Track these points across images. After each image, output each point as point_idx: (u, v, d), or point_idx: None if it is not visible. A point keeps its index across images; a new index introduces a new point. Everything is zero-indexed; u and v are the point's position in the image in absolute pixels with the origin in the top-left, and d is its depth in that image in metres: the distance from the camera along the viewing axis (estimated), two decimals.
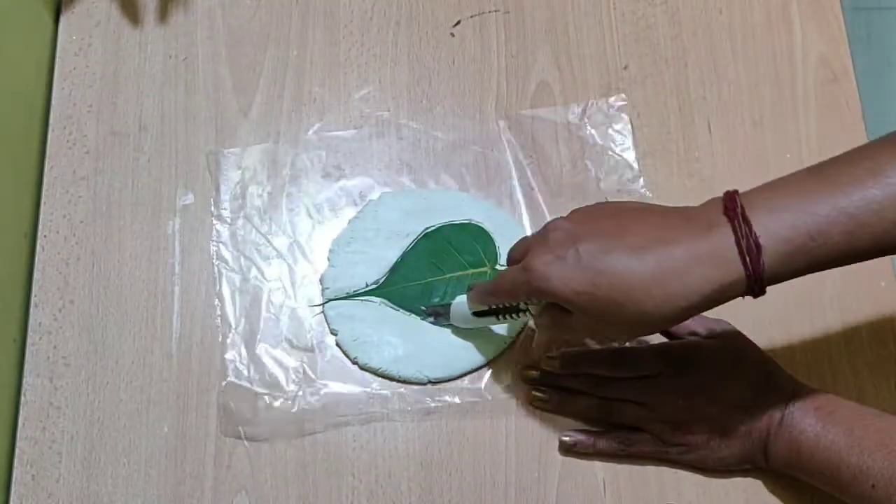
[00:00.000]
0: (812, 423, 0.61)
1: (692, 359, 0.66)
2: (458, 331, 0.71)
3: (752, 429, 0.64)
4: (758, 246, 0.51)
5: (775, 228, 0.51)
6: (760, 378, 0.65)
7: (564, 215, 0.59)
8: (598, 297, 0.53)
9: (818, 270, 0.54)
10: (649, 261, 0.52)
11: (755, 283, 0.52)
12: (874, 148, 0.53)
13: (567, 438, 0.67)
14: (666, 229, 0.53)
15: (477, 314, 0.67)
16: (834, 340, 0.71)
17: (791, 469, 0.63)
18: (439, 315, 0.71)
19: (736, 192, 0.54)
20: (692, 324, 0.68)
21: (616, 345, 0.69)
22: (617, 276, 0.52)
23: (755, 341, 0.71)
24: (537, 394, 0.68)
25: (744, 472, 0.67)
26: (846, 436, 0.60)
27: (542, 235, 0.57)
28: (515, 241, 0.63)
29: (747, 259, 0.51)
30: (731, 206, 0.52)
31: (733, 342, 0.67)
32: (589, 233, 0.54)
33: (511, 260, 0.62)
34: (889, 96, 1.61)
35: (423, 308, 0.71)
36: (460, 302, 0.69)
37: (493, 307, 0.65)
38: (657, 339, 0.69)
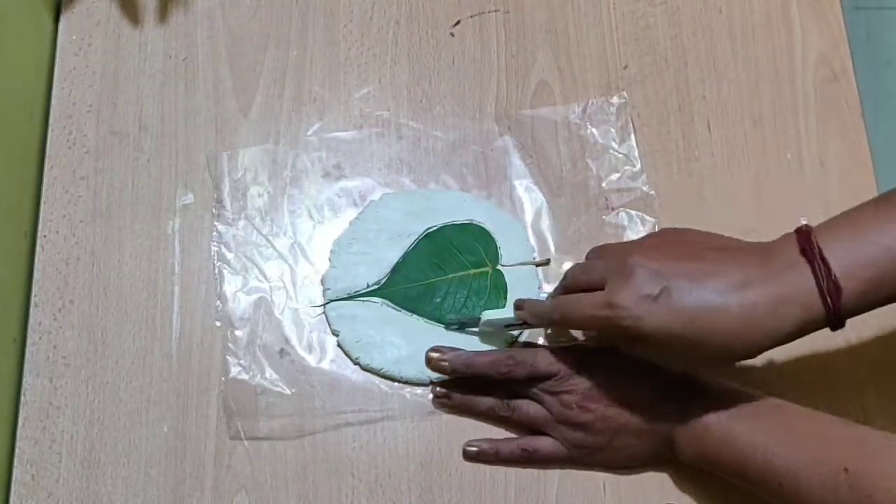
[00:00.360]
0: (715, 421, 0.61)
1: (584, 362, 0.65)
2: (483, 336, 0.71)
3: (654, 427, 0.63)
4: (837, 287, 0.53)
5: (853, 269, 0.53)
6: (657, 377, 0.64)
7: (638, 249, 0.59)
8: (687, 339, 0.55)
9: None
10: (737, 305, 0.54)
11: (835, 320, 0.54)
12: None
13: (471, 448, 0.67)
14: (748, 270, 0.55)
15: (510, 326, 0.68)
16: (834, 340, 0.71)
17: (699, 464, 0.63)
18: (465, 325, 0.71)
19: (810, 230, 0.55)
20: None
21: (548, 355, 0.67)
22: (708, 319, 0.54)
23: None
24: (439, 390, 0.68)
25: (657, 467, 0.67)
26: (750, 434, 0.59)
27: (623, 271, 0.57)
28: (571, 268, 0.64)
29: (828, 300, 0.53)
30: (809, 248, 0.54)
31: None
32: (676, 274, 0.55)
33: (572, 287, 0.62)
34: (888, 95, 1.61)
35: (450, 318, 0.71)
36: (493, 319, 0.69)
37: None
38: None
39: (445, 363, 0.68)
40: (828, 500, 0.54)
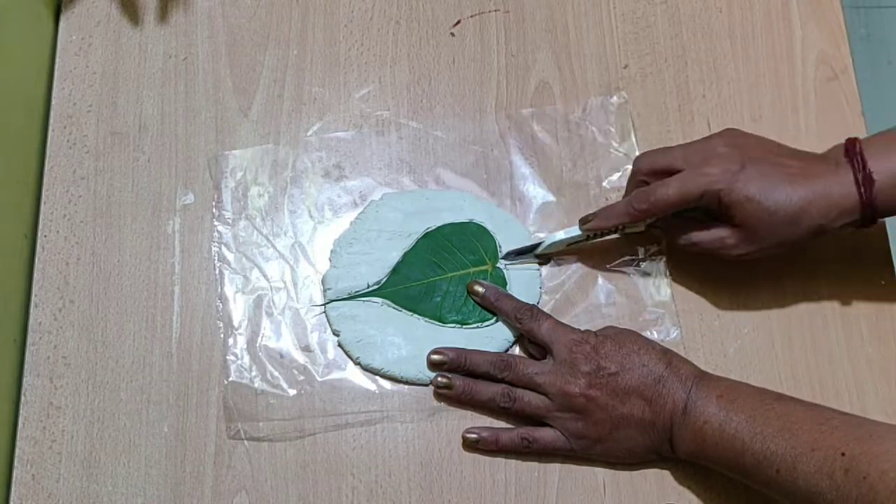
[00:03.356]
0: (715, 412, 0.62)
1: (590, 345, 0.66)
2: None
3: (655, 419, 0.64)
4: (870, 179, 0.62)
5: (887, 165, 0.62)
6: (660, 365, 0.65)
7: (713, 137, 0.67)
8: (762, 207, 0.63)
9: None
10: (801, 190, 0.63)
11: (868, 210, 0.62)
12: None
13: (471, 435, 0.68)
14: (809, 167, 0.64)
15: (573, 243, 0.71)
16: (834, 340, 0.71)
17: (697, 458, 0.64)
18: (522, 253, 0.72)
19: (857, 139, 0.64)
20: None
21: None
22: (780, 194, 0.63)
23: (756, 340, 0.71)
24: (441, 379, 0.69)
25: (652, 464, 0.67)
26: (749, 423, 0.60)
27: (706, 150, 0.66)
28: (637, 159, 0.70)
29: (862, 189, 0.62)
30: (851, 149, 0.63)
31: (627, 336, 0.67)
32: (754, 158, 0.65)
33: (649, 169, 0.69)
34: (889, 93, 1.61)
35: (508, 252, 0.73)
36: (555, 241, 0.71)
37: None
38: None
39: (444, 357, 0.69)
40: (824, 484, 0.55)
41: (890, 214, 0.64)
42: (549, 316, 0.70)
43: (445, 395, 0.69)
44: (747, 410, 0.61)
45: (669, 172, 0.67)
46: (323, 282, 0.73)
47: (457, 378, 0.69)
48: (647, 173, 0.69)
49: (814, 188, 0.63)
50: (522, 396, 0.67)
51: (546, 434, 0.67)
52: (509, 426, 0.69)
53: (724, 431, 0.61)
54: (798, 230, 0.64)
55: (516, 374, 0.67)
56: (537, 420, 0.67)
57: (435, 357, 0.69)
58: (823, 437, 0.57)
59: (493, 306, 0.71)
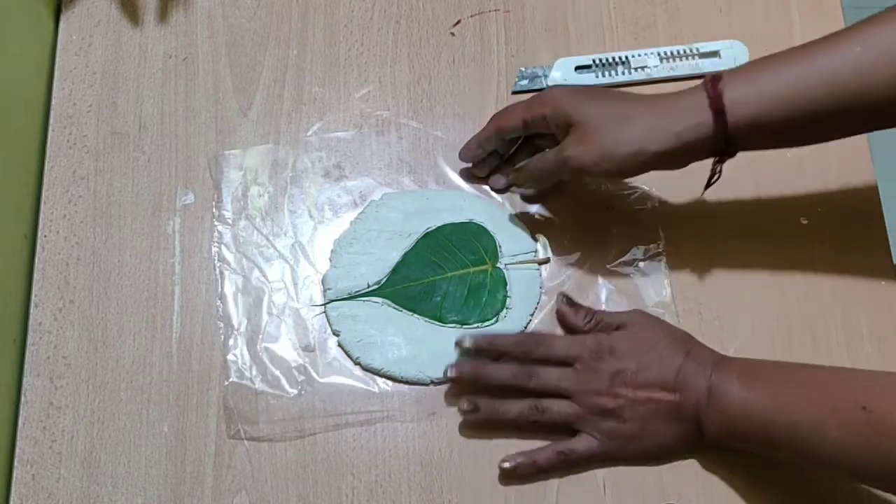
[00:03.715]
0: (738, 392, 0.62)
1: (606, 347, 0.66)
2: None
3: (681, 409, 0.64)
4: (722, 107, 0.62)
5: (739, 92, 0.62)
6: (678, 356, 0.65)
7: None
8: (605, 120, 0.65)
9: (781, 141, 0.66)
10: (650, 105, 0.65)
11: (720, 133, 0.62)
12: (833, 34, 0.63)
13: (507, 464, 0.66)
14: (659, 96, 0.66)
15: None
16: (834, 340, 0.71)
17: (726, 439, 0.64)
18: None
19: (722, 73, 0.64)
20: (599, 324, 0.69)
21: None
22: (626, 105, 0.65)
23: (756, 340, 0.71)
24: (466, 405, 0.67)
25: (683, 457, 0.67)
26: (771, 397, 0.61)
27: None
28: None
29: (713, 112, 0.62)
30: (710, 80, 0.63)
31: (645, 326, 0.68)
32: (600, 92, 0.70)
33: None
34: None
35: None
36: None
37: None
38: None
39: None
40: (850, 441, 0.56)
41: (747, 142, 0.64)
42: (551, 335, 0.69)
43: (472, 419, 0.68)
44: (768, 385, 0.62)
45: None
46: (323, 282, 0.73)
47: (481, 400, 0.67)
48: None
49: (655, 105, 0.65)
50: (551, 406, 0.66)
51: (581, 443, 0.66)
52: (541, 444, 0.67)
53: (749, 409, 0.61)
54: (637, 140, 0.64)
55: (540, 382, 0.66)
56: (566, 430, 0.67)
57: (451, 373, 0.67)
58: (843, 396, 0.58)
59: (492, 351, 0.68)
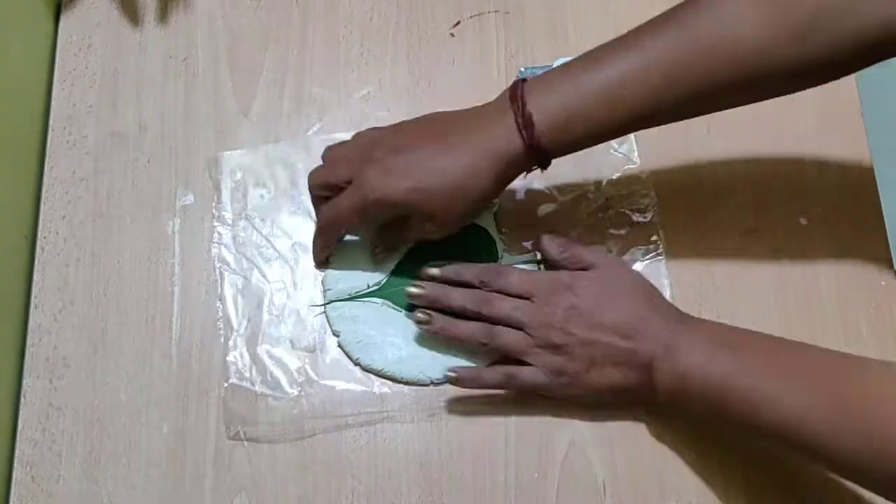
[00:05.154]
0: (701, 350, 0.61)
1: (565, 283, 0.67)
2: None
3: (634, 356, 0.64)
4: (531, 120, 0.61)
5: (546, 104, 0.61)
6: (641, 305, 0.65)
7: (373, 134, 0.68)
8: (428, 193, 0.63)
9: (599, 141, 0.64)
10: (462, 153, 0.63)
11: (533, 151, 0.62)
12: (640, 27, 0.62)
13: (452, 373, 0.67)
14: (468, 124, 0.64)
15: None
16: (834, 340, 0.71)
17: (678, 400, 0.63)
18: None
19: (524, 80, 0.63)
20: (572, 256, 0.69)
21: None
22: (440, 173, 0.63)
23: None
24: (421, 315, 0.68)
25: (631, 409, 0.68)
26: (734, 361, 0.60)
27: (362, 151, 0.66)
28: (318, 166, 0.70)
29: (523, 132, 0.61)
30: (514, 92, 0.63)
31: (614, 271, 0.68)
32: (408, 144, 0.65)
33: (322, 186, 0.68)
34: (888, 95, 1.60)
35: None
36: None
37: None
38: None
39: (421, 294, 0.69)
40: (807, 411, 0.55)
41: (563, 152, 0.63)
42: (516, 269, 0.70)
43: (424, 330, 0.69)
44: (733, 349, 0.61)
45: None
46: (323, 282, 0.73)
47: (437, 316, 0.69)
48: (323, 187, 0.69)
49: (472, 148, 0.63)
50: (502, 333, 0.67)
51: (527, 372, 0.67)
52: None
53: (709, 369, 0.60)
54: (475, 190, 0.63)
55: (494, 309, 0.67)
56: (517, 359, 0.67)
57: (413, 290, 0.69)
58: (812, 370, 0.57)
59: (455, 283, 0.70)
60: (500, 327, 0.67)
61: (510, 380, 0.67)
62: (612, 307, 0.65)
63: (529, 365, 0.66)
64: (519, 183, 0.76)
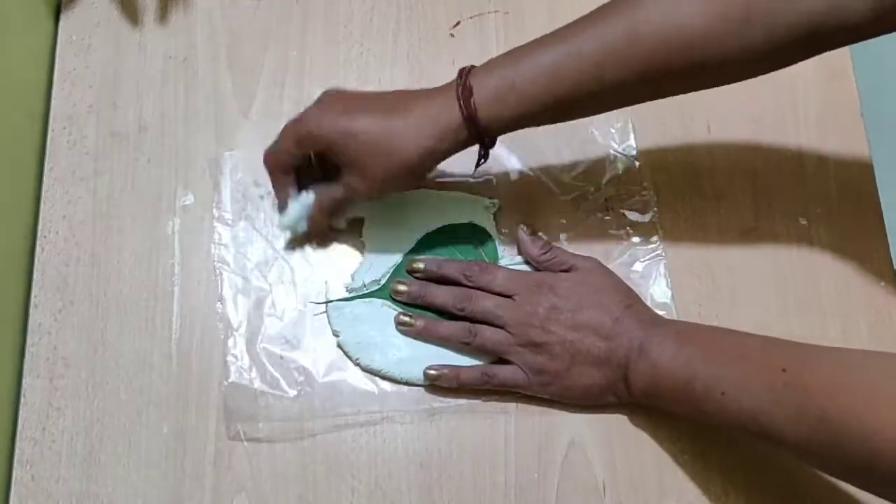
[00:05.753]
0: (671, 346, 0.63)
1: (547, 283, 0.68)
2: None
3: (610, 356, 0.65)
4: (470, 91, 0.63)
5: (487, 81, 0.63)
6: (618, 307, 0.66)
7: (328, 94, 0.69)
8: (356, 138, 0.64)
9: (538, 121, 0.65)
10: (400, 116, 0.64)
11: (471, 123, 0.63)
12: (589, 13, 0.64)
13: (432, 372, 0.68)
14: (418, 97, 0.66)
15: None
16: (833, 340, 0.71)
17: (651, 396, 0.65)
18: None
19: (473, 65, 0.65)
20: (553, 258, 0.70)
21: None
22: (372, 124, 0.64)
23: None
24: (404, 318, 0.70)
25: (608, 408, 0.68)
26: (701, 351, 0.62)
27: (317, 100, 0.68)
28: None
29: (461, 101, 0.63)
30: (462, 69, 0.65)
31: (594, 273, 0.69)
32: (356, 102, 0.67)
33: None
34: (888, 95, 1.61)
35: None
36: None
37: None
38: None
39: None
40: (766, 398, 0.56)
41: (500, 128, 0.64)
42: (500, 267, 0.71)
43: (407, 332, 0.70)
44: (702, 342, 0.63)
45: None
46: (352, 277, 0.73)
47: (418, 317, 0.70)
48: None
49: (411, 112, 0.64)
50: (484, 332, 0.68)
51: (506, 370, 0.68)
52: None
53: (677, 361, 0.62)
54: (401, 151, 0.64)
55: (477, 306, 0.68)
56: (498, 357, 0.68)
57: (398, 287, 0.70)
58: (770, 359, 0.58)
59: (439, 276, 0.71)
60: (481, 326, 0.68)
61: (489, 378, 0.68)
62: (592, 308, 0.66)
63: (510, 363, 0.67)
64: (519, 182, 0.76)
